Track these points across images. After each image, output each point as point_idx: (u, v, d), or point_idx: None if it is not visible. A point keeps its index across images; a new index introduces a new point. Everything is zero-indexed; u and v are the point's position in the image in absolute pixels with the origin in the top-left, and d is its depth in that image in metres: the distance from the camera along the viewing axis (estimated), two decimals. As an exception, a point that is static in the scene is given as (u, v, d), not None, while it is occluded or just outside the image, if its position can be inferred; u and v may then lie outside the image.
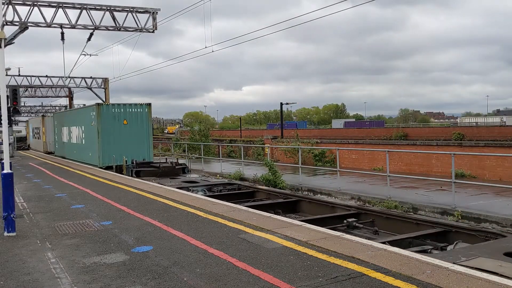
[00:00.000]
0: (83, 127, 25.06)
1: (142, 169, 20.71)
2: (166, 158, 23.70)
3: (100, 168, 21.88)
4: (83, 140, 25.13)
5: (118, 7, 22.43)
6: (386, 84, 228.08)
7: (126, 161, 20.93)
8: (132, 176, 19.59)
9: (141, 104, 22.83)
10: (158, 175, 20.20)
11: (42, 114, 42.30)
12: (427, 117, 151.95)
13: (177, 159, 23.69)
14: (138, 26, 22.93)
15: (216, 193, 16.42)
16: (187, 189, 15.76)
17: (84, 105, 37.88)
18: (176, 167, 21.68)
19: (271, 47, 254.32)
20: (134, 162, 21.08)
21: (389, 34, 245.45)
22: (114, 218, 9.56)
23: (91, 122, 23.02)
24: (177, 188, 14.67)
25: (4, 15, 18.85)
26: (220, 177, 20.97)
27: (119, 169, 21.10)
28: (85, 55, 30.44)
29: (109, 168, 21.72)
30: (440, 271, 5.58)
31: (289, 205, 14.51)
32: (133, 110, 22.54)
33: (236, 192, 16.81)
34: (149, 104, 22.98)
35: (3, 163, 8.80)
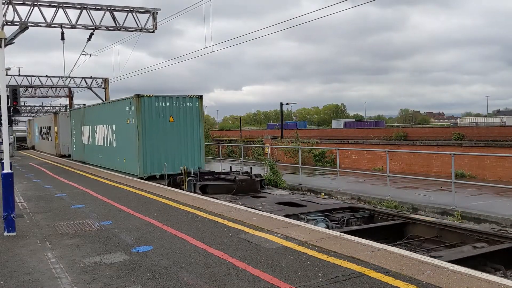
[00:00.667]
0: (113, 126, 20.41)
1: (210, 183, 15.37)
2: (230, 167, 17.99)
3: (141, 178, 17.10)
4: (114, 142, 20.43)
5: (118, 7, 22.42)
6: (386, 84, 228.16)
7: (186, 170, 15.89)
8: (194, 192, 14.73)
9: (190, 97, 18.45)
10: (234, 192, 14.80)
11: (53, 111, 36.14)
12: (427, 117, 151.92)
13: (250, 167, 17.34)
14: (138, 26, 22.92)
15: (354, 228, 10.26)
16: (299, 218, 10.76)
17: (106, 101, 31.58)
18: (256, 179, 15.98)
19: (271, 47, 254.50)
20: (197, 173, 15.92)
21: (389, 34, 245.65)
22: (114, 218, 9.57)
23: (126, 119, 18.62)
24: (284, 216, 9.69)
25: (4, 15, 18.86)
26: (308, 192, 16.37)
27: (173, 183, 16.16)
28: (85, 55, 30.42)
29: (150, 178, 17.21)
30: (440, 271, 5.58)
31: None
32: (181, 104, 18.21)
33: (380, 226, 10.60)
34: (201, 97, 18.70)
35: (3, 163, 8.80)
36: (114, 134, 20.30)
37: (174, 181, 16.21)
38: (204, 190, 14.83)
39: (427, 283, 5.22)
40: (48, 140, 37.38)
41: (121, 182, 15.61)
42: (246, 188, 15.20)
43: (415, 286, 5.14)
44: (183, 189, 14.63)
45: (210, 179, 15.85)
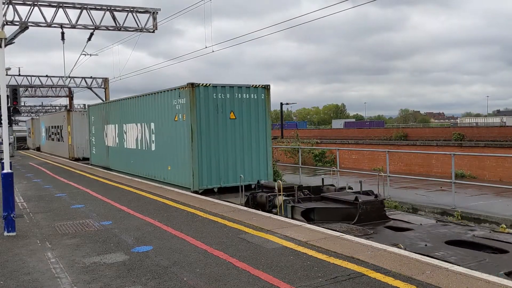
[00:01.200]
0: (152, 124, 16.53)
1: (317, 207, 10.57)
2: (322, 179, 13.35)
3: (195, 192, 13.30)
4: (153, 145, 16.56)
5: (119, 7, 22.44)
6: (386, 84, 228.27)
7: (281, 186, 11.27)
8: (293, 217, 10.29)
9: (255, 87, 14.72)
10: (356, 220, 10.16)
11: (66, 108, 30.44)
12: (427, 117, 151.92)
13: (360, 182, 12.11)
14: (138, 26, 22.93)
15: None
16: None
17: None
18: (381, 199, 11.01)
19: (271, 47, 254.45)
20: (302, 193, 11.88)
21: (389, 35, 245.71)
22: (114, 218, 9.57)
23: (173, 116, 14.74)
24: None
25: (5, 14, 18.87)
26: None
27: (253, 202, 11.93)
28: (85, 55, 30.44)
29: (207, 192, 13.54)
30: (440, 272, 5.58)
31: None
32: (245, 96, 14.54)
33: None
34: (267, 87, 14.96)
35: (3, 163, 8.80)
36: (153, 135, 16.43)
37: (254, 199, 11.99)
38: (307, 216, 10.24)
39: (427, 283, 5.22)
40: (58, 141, 33.27)
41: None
42: (372, 214, 10.47)
43: (415, 286, 5.14)
44: (273, 213, 10.67)
45: (311, 199, 11.36)
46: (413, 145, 34.96)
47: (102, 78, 41.07)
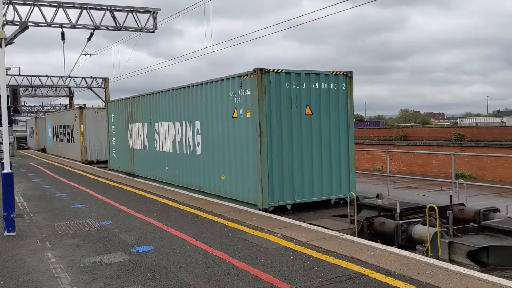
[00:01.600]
0: (198, 122, 13.38)
1: (490, 245, 7.39)
2: (450, 197, 10.28)
3: (265, 211, 10.33)
4: (198, 148, 13.43)
5: (119, 7, 22.45)
6: (386, 84, 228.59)
7: (437, 211, 7.96)
8: (451, 260, 7.40)
9: (335, 74, 11.73)
10: None
11: (79, 106, 27.88)
12: (427, 117, 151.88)
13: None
14: (138, 26, 22.94)
15: None
16: None
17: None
18: None
19: (271, 47, 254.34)
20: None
21: (389, 35, 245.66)
22: (114, 217, 9.56)
23: (231, 111, 11.71)
24: None
25: (5, 14, 18.87)
26: None
27: (371, 229, 8.93)
28: (85, 54, 30.43)
29: (278, 210, 10.57)
30: (440, 272, 5.58)
31: None
32: (323, 86, 11.53)
33: None
34: (350, 75, 11.97)
35: (3, 163, 8.80)
36: (199, 136, 13.38)
37: (372, 226, 8.90)
38: (474, 257, 7.32)
39: (427, 283, 5.22)
40: (68, 142, 30.46)
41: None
42: None
43: (415, 286, 5.14)
44: (414, 251, 7.83)
45: (467, 230, 8.27)
46: (413, 145, 35.00)
47: (102, 78, 41.07)
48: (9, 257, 6.88)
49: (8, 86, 23.40)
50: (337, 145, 11.80)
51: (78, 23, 21.74)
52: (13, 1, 20.00)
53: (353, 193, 10.22)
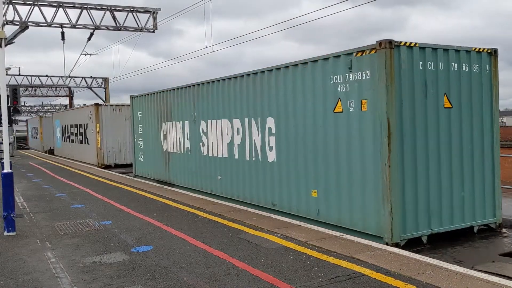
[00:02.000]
0: (270, 120, 10.43)
1: None
2: None
3: (395, 246, 7.24)
4: (270, 153, 10.42)
5: (119, 6, 22.46)
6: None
7: None
8: None
9: (478, 51, 8.96)
10: None
11: (95, 103, 24.96)
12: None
13: None
14: (138, 26, 22.96)
15: None
16: None
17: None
18: None
19: (271, 47, 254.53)
20: None
21: (389, 35, 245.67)
22: (114, 217, 9.56)
23: (331, 103, 8.68)
24: None
25: (5, 14, 18.88)
26: None
27: None
28: (85, 54, 30.47)
29: (412, 244, 7.62)
30: (440, 272, 5.58)
31: None
32: (463, 68, 8.62)
33: None
34: (495, 53, 9.40)
35: (3, 163, 8.80)
36: (272, 137, 10.39)
37: None
38: None
39: (427, 283, 5.22)
40: (81, 143, 27.48)
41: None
42: None
43: (415, 286, 5.14)
44: None
45: None
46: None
47: (102, 78, 41.11)
48: (9, 257, 6.88)
49: (8, 86, 23.39)
50: (480, 151, 8.84)
51: (78, 23, 21.76)
52: (13, 1, 20.01)
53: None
